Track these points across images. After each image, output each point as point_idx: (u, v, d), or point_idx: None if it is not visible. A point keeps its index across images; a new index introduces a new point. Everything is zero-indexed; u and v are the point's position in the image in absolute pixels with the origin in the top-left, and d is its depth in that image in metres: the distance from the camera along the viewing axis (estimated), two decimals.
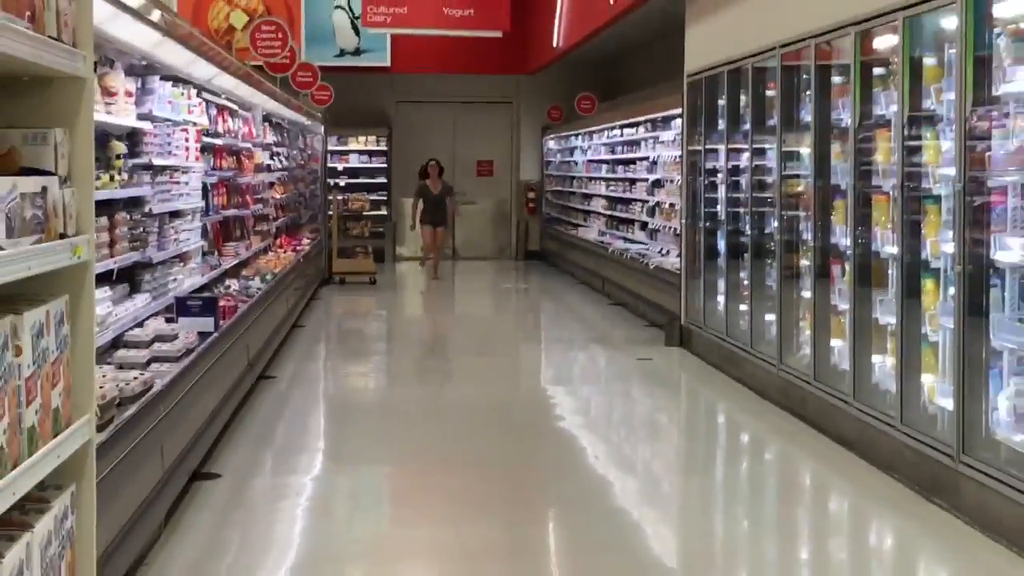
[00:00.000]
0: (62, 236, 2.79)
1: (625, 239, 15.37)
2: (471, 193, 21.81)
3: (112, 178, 5.71)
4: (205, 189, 8.38)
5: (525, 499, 6.51)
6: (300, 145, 16.00)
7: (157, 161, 6.75)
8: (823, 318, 7.99)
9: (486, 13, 18.15)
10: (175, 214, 7.33)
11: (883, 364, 7.14)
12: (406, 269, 19.91)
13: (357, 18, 19.92)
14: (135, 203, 6.34)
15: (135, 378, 5.27)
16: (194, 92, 7.97)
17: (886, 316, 7.03)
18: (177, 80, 7.50)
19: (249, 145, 10.83)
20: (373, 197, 20.65)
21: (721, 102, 10.47)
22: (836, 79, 7.87)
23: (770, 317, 9.11)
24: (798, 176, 8.66)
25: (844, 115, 7.64)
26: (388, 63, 20.93)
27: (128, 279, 6.38)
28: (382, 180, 21.81)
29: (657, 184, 13.99)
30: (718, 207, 10.70)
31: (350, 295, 16.36)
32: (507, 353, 12.18)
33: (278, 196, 13.06)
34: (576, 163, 19.50)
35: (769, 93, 9.22)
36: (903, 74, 6.68)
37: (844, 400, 7.39)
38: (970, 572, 5.24)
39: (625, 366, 10.81)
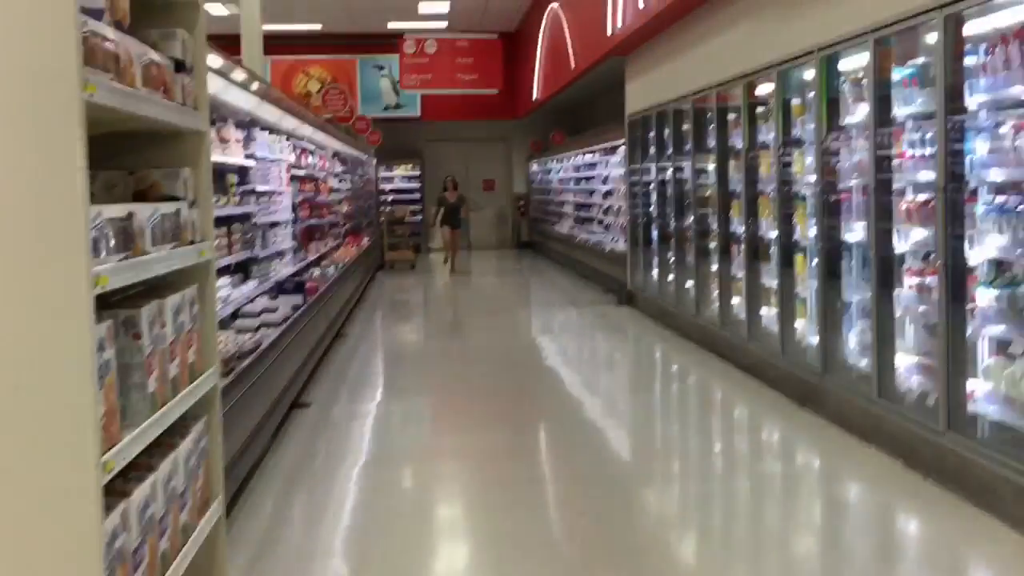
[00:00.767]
0: (191, 243, 2.77)
1: (588, 232, 15.31)
2: (479, 202, 21.73)
3: (229, 200, 5.67)
4: (294, 206, 8.33)
5: (522, 414, 6.51)
6: (359, 173, 15.88)
7: (260, 188, 6.70)
8: (726, 283, 7.98)
9: (487, 77, 18.90)
10: (273, 224, 7.28)
11: (768, 314, 7.13)
12: (435, 258, 19.81)
13: (396, 83, 19.89)
14: (245, 217, 6.29)
15: (248, 339, 5.26)
16: (284, 138, 7.91)
17: (770, 280, 7.03)
18: (272, 130, 7.45)
19: (324, 174, 10.76)
20: (411, 208, 20.66)
21: (652, 134, 10.42)
22: (731, 116, 7.83)
23: (689, 283, 9.09)
24: (706, 184, 8.62)
25: (737, 141, 7.61)
26: (419, 114, 20.82)
27: (242, 270, 6.35)
28: (417, 196, 21.69)
29: (609, 193, 13.93)
30: (652, 208, 10.66)
31: (397, 277, 16.29)
32: (507, 312, 12.15)
33: (345, 209, 12.97)
34: (552, 180, 19.39)
35: (685, 127, 9.17)
36: (777, 111, 6.65)
37: (743, 340, 7.39)
38: (829, 452, 5.25)
39: (590, 320, 10.78)
